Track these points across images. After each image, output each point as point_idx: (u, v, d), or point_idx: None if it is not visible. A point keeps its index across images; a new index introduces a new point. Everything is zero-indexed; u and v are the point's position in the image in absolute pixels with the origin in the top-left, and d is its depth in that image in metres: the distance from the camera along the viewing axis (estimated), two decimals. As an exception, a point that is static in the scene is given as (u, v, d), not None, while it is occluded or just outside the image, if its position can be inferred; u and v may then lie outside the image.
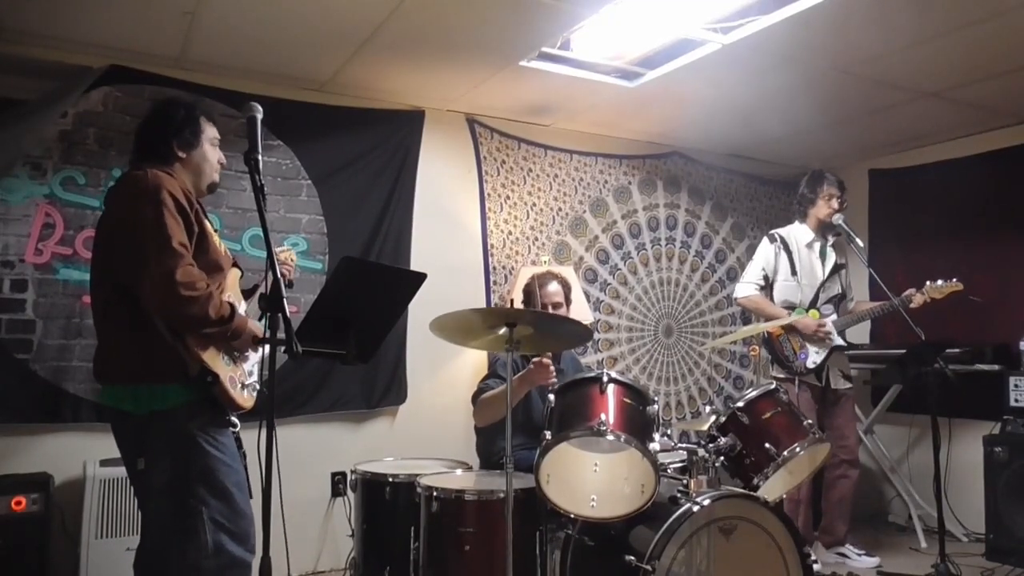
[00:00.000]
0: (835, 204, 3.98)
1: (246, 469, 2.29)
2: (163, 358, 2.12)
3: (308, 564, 3.94)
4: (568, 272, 4.20)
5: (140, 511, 2.32)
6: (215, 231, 2.37)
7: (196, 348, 2.13)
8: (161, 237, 2.08)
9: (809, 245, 4.05)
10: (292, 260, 2.85)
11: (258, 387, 2.36)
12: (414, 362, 4.25)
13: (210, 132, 2.41)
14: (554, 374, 2.96)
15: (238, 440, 2.31)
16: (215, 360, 2.17)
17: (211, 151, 2.40)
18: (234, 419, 2.29)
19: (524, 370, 3.00)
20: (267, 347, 2.31)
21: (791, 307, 3.94)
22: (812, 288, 3.99)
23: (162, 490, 2.15)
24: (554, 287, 3.35)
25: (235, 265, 2.45)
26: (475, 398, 3.21)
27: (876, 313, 3.96)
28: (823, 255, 4.06)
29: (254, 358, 2.37)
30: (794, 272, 3.99)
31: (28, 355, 3.39)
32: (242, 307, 2.37)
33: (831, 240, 4.10)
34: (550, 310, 3.29)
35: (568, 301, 3.41)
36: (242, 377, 2.28)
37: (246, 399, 2.28)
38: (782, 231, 4.10)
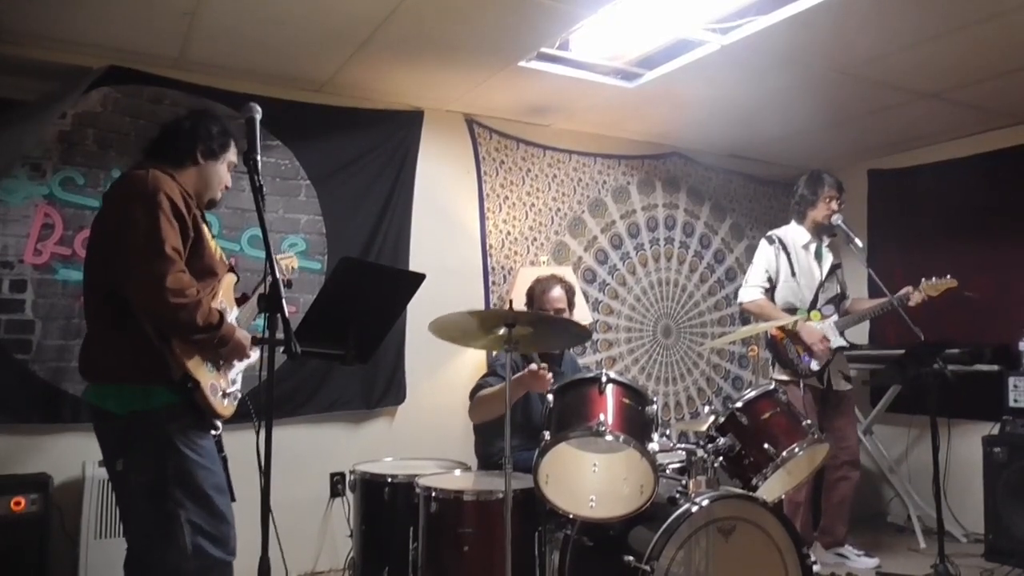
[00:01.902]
0: (834, 206, 3.98)
1: (227, 472, 2.29)
2: (148, 360, 2.12)
3: (307, 564, 3.94)
4: (567, 272, 4.20)
5: (120, 512, 2.32)
6: (212, 236, 2.38)
7: (181, 353, 2.13)
8: (154, 241, 2.08)
9: (806, 246, 4.05)
10: (293, 267, 2.86)
11: (239, 396, 2.36)
12: (413, 362, 4.25)
13: (232, 156, 2.44)
14: (550, 382, 2.94)
15: (219, 443, 2.31)
16: (198, 367, 2.17)
17: (224, 172, 2.43)
18: (216, 422, 2.29)
19: (520, 372, 2.99)
20: (259, 353, 2.33)
21: (793, 310, 3.94)
22: (811, 289, 3.99)
23: (140, 492, 2.15)
24: (557, 292, 3.34)
25: (231, 270, 2.45)
26: (473, 394, 3.21)
27: (876, 312, 3.96)
28: (819, 256, 4.06)
29: (239, 367, 2.37)
30: (793, 273, 3.99)
31: (27, 356, 3.39)
32: (233, 313, 2.38)
33: (827, 241, 4.10)
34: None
35: (571, 306, 3.40)
36: (225, 386, 2.28)
37: (225, 408, 2.28)
38: (779, 232, 4.10)
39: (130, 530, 2.26)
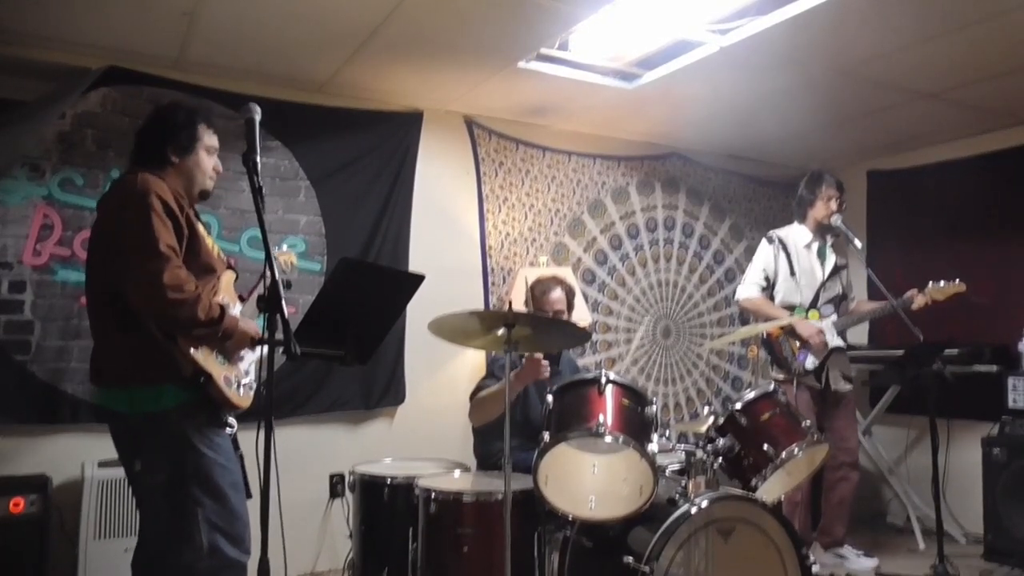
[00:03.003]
0: (833, 205, 3.98)
1: (243, 470, 2.29)
2: (156, 360, 2.13)
3: (306, 565, 3.94)
4: (567, 273, 4.20)
5: (138, 511, 2.33)
6: (208, 234, 2.38)
7: (188, 349, 2.13)
8: (148, 241, 2.09)
9: (808, 246, 4.04)
10: (292, 263, 2.86)
11: (255, 386, 2.36)
12: (413, 363, 4.24)
13: (208, 140, 2.40)
14: (548, 369, 2.96)
15: (235, 441, 2.32)
16: (208, 360, 2.18)
17: (206, 159, 2.39)
18: (231, 419, 2.30)
19: (518, 368, 2.99)
20: (265, 347, 2.33)
21: (791, 308, 3.94)
22: (812, 289, 3.98)
23: (158, 491, 2.16)
24: (557, 294, 3.34)
25: (230, 267, 2.45)
26: (472, 397, 3.21)
27: (877, 314, 3.95)
28: (822, 256, 4.05)
29: (250, 357, 2.37)
30: (793, 273, 3.98)
31: (26, 356, 3.39)
32: (236, 308, 2.38)
33: (830, 241, 4.09)
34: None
35: (570, 307, 3.40)
36: (238, 376, 2.28)
37: (243, 398, 2.28)
38: (780, 232, 4.10)
39: (146, 528, 2.28)
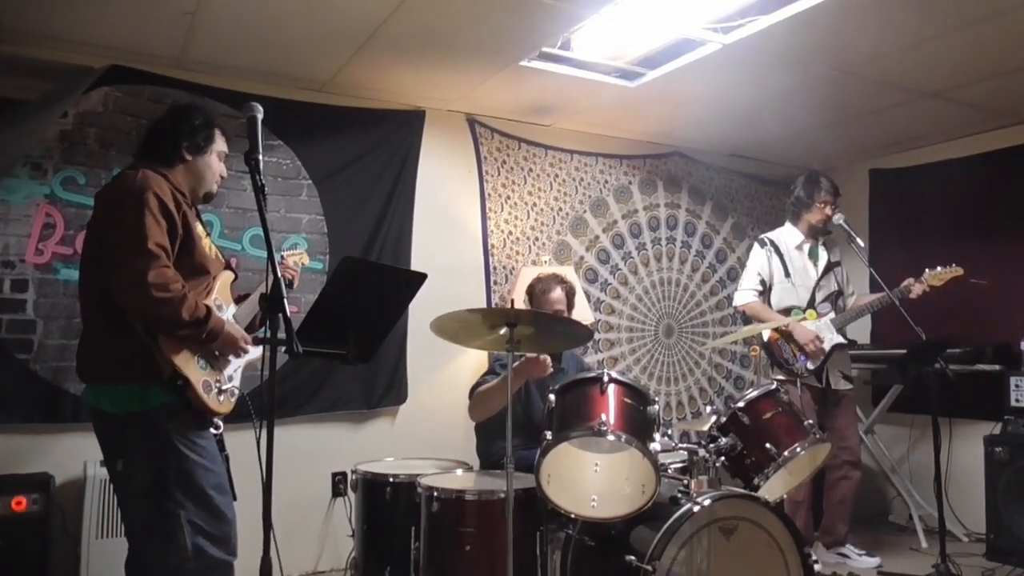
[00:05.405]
0: (828, 211, 3.97)
1: (228, 471, 2.28)
2: (142, 359, 2.12)
3: (308, 564, 3.94)
4: (569, 272, 4.20)
5: (121, 513, 2.32)
6: (207, 234, 2.37)
7: (168, 351, 2.12)
8: (138, 237, 2.08)
9: (799, 247, 4.05)
10: (304, 263, 2.84)
11: (237, 392, 2.34)
12: (414, 362, 4.25)
13: (220, 145, 2.43)
14: (550, 367, 2.95)
15: (221, 442, 2.31)
16: (187, 363, 2.16)
17: (216, 163, 2.41)
18: (217, 421, 2.29)
19: (518, 362, 2.98)
20: (258, 350, 2.33)
21: (789, 310, 3.94)
22: (807, 289, 3.99)
23: (140, 492, 2.15)
24: (557, 294, 3.32)
25: (230, 268, 2.44)
26: (472, 393, 3.21)
27: (875, 307, 3.94)
28: (814, 255, 4.06)
29: (237, 362, 2.36)
30: (787, 274, 3.99)
31: (29, 355, 3.39)
32: (230, 310, 2.37)
33: (821, 240, 4.10)
34: None
35: (571, 307, 3.40)
36: (219, 382, 2.26)
37: (221, 404, 2.26)
38: (771, 235, 4.11)
39: (131, 530, 2.26)
